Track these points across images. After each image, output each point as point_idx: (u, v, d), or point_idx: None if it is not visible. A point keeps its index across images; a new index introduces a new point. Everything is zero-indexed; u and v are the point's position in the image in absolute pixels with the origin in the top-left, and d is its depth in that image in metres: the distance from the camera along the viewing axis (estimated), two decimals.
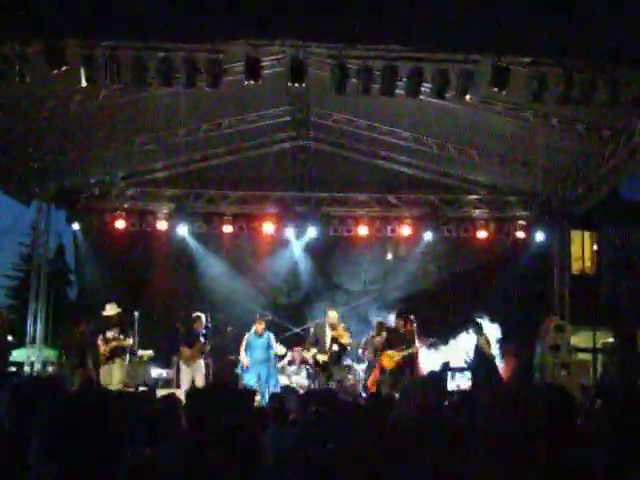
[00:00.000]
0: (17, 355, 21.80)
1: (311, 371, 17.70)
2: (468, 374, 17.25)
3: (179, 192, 20.28)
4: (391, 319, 18.41)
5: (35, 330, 19.73)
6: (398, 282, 20.61)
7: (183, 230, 20.16)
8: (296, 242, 20.62)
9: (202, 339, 16.69)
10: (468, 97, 12.95)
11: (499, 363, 18.07)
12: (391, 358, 17.09)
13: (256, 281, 20.68)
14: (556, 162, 17.63)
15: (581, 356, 21.87)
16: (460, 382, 16.77)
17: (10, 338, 17.75)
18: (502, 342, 18.77)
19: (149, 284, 20.43)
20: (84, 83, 12.09)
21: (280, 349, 18.31)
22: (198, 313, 16.97)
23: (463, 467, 3.81)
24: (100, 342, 16.00)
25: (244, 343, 17.14)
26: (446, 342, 18.56)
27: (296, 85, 12.79)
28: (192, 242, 20.50)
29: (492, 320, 18.59)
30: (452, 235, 20.72)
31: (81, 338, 16.68)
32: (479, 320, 17.91)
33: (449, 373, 16.53)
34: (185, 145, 18.49)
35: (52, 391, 4.64)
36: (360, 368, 18.08)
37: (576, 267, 26.12)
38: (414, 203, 20.63)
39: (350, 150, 20.00)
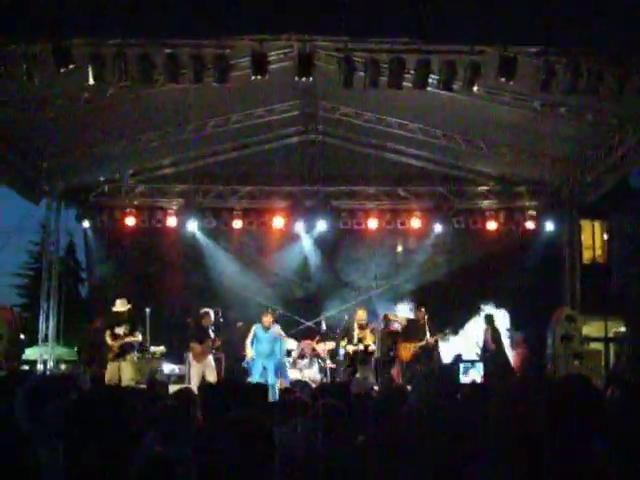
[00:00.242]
0: (30, 353, 21.90)
1: (323, 364, 17.73)
2: (480, 366, 17.24)
3: (188, 188, 20.31)
4: (399, 311, 18.45)
5: (47, 328, 19.77)
6: (408, 274, 20.59)
7: (193, 226, 20.20)
8: (306, 236, 20.62)
9: (212, 335, 16.71)
10: (475, 88, 12.93)
11: (509, 352, 18.07)
12: (408, 350, 17.17)
13: (266, 276, 20.68)
14: (564, 151, 17.61)
15: (593, 346, 21.77)
16: (473, 375, 16.74)
17: (22, 336, 17.80)
18: (512, 331, 18.76)
19: (160, 280, 20.48)
20: (91, 81, 12.12)
21: (290, 343, 18.34)
22: (206, 309, 16.96)
23: (473, 460, 3.81)
24: (108, 338, 15.99)
25: (251, 335, 17.13)
26: (456, 332, 18.56)
27: (303, 79, 12.79)
28: (202, 238, 20.53)
29: (497, 306, 18.59)
30: (462, 226, 20.70)
31: (94, 335, 16.74)
32: (489, 311, 17.94)
33: (461, 365, 16.51)
34: (193, 141, 18.53)
35: (65, 389, 4.66)
36: None
37: (587, 256, 26.00)
38: (423, 195, 20.63)
39: (358, 143, 20.01)
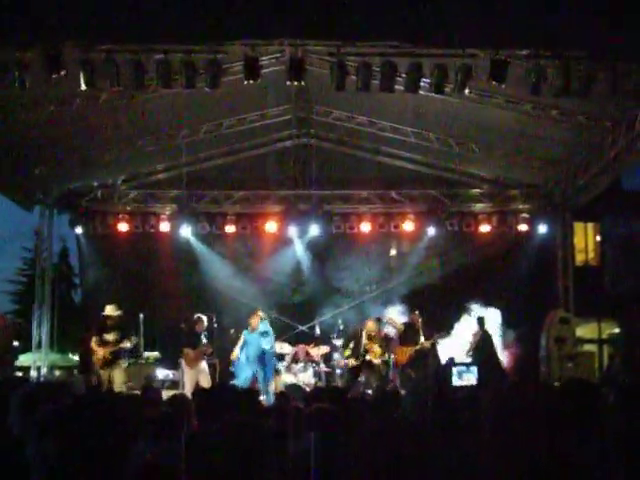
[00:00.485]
0: (23, 360, 21.86)
1: (317, 369, 17.73)
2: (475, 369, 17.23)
3: (181, 193, 20.26)
4: (389, 314, 18.46)
5: (41, 334, 19.75)
6: (402, 278, 20.60)
7: (186, 231, 20.15)
8: (299, 240, 20.61)
9: (205, 340, 16.71)
10: (467, 91, 12.95)
11: (501, 352, 18.04)
12: (404, 354, 17.20)
13: (260, 280, 20.64)
14: (557, 154, 17.65)
15: (587, 347, 21.83)
16: (467, 378, 16.73)
17: (16, 343, 17.77)
18: (504, 329, 18.74)
19: (153, 286, 20.43)
20: (83, 87, 12.10)
21: (285, 347, 18.35)
22: (199, 315, 16.98)
23: (467, 463, 3.83)
24: (94, 345, 15.90)
25: (241, 342, 17.16)
26: (448, 334, 18.56)
27: (295, 83, 12.81)
28: (195, 243, 20.48)
29: (488, 304, 18.58)
30: (455, 229, 20.67)
31: (89, 342, 16.71)
32: (480, 313, 17.94)
33: (455, 369, 16.50)
34: (186, 146, 18.52)
35: (59, 395, 4.66)
36: None
37: (579, 259, 26.07)
38: (416, 198, 20.61)
39: (351, 147, 20.06)
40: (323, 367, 17.91)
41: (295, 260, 20.78)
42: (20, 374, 19.96)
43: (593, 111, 14.66)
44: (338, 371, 17.99)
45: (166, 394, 11.08)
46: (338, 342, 18.30)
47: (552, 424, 3.67)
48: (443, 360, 17.61)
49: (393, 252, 21.37)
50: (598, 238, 27.46)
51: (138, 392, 13.19)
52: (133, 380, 16.47)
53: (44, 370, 19.61)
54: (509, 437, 3.69)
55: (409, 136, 18.44)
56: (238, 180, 20.50)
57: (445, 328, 18.30)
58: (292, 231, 20.44)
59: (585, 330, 22.88)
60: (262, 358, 16.92)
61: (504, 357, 18.02)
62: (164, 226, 20.33)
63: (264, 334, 17.13)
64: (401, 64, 12.44)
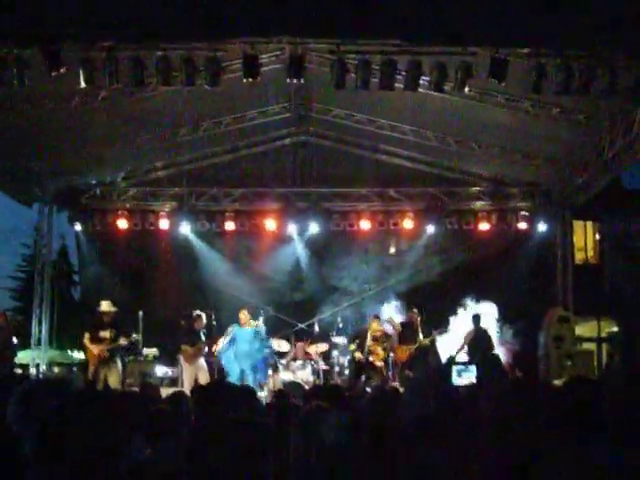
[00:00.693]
0: (22, 357, 21.83)
1: (316, 366, 17.73)
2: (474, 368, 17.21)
3: (181, 191, 20.26)
4: (385, 312, 18.45)
5: (40, 331, 19.77)
6: (401, 276, 20.62)
7: (185, 229, 20.17)
8: (298, 238, 20.62)
9: (203, 338, 16.71)
10: (467, 89, 12.95)
11: (498, 348, 18.01)
12: (403, 352, 17.21)
13: (259, 278, 20.65)
14: (556, 152, 17.63)
15: (585, 346, 21.82)
16: (467, 377, 16.70)
17: (15, 340, 17.75)
18: (501, 323, 18.73)
19: (153, 283, 20.48)
20: (83, 84, 12.09)
21: (283, 345, 18.37)
22: (198, 312, 16.98)
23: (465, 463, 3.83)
24: (87, 341, 15.82)
25: (228, 336, 17.13)
26: (446, 330, 18.53)
27: (295, 81, 12.82)
28: (195, 240, 20.49)
29: (483, 299, 18.60)
30: (454, 227, 20.69)
31: None
32: (476, 311, 17.93)
33: (454, 368, 16.49)
34: (186, 144, 18.54)
35: (57, 392, 4.66)
36: None
37: (579, 257, 26.07)
38: (415, 196, 20.61)
39: (351, 145, 20.08)
40: (322, 365, 17.92)
41: (294, 258, 20.81)
42: (19, 371, 19.92)
43: (592, 110, 14.65)
44: (337, 369, 18.01)
45: (165, 391, 11.08)
46: (337, 340, 18.33)
47: (553, 421, 3.68)
48: (443, 357, 17.64)
49: (392, 250, 21.41)
50: (597, 237, 27.46)
51: (137, 389, 13.22)
52: (131, 377, 16.48)
53: (43, 367, 19.63)
54: (509, 435, 3.69)
55: (408, 134, 18.44)
56: (237, 178, 20.50)
57: (444, 325, 18.28)
58: (291, 229, 20.47)
59: (584, 329, 22.84)
60: (251, 356, 16.90)
61: (502, 353, 17.98)
62: (163, 223, 20.35)
63: (258, 336, 17.12)
64: (401, 62, 12.43)
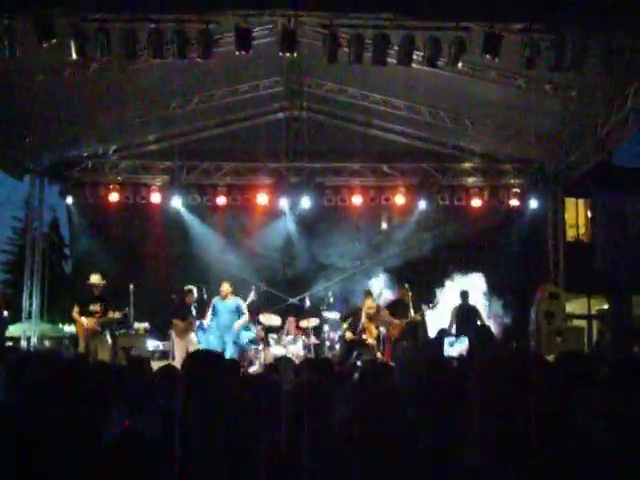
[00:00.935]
0: (13, 330, 21.83)
1: (306, 341, 17.76)
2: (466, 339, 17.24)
3: (172, 164, 20.21)
4: (373, 286, 18.45)
5: (31, 305, 19.74)
6: (393, 251, 20.62)
7: (177, 202, 20.13)
8: (290, 213, 20.59)
9: (194, 312, 16.72)
10: (460, 65, 12.90)
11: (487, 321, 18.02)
12: (396, 328, 17.22)
13: (250, 253, 20.63)
14: (549, 129, 17.59)
15: (576, 323, 21.90)
16: (459, 348, 16.73)
17: (5, 313, 17.74)
18: (489, 295, 18.75)
19: (144, 257, 20.45)
20: (74, 56, 12.02)
21: (274, 320, 18.39)
22: (190, 286, 16.98)
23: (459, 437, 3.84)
24: (75, 314, 15.78)
25: (210, 308, 17.20)
26: (436, 305, 18.52)
27: (287, 55, 12.75)
28: (186, 214, 20.45)
29: (464, 273, 18.64)
30: (446, 203, 20.71)
31: None
32: (464, 287, 17.93)
33: (446, 339, 16.52)
34: (178, 117, 18.47)
35: (47, 364, 4.66)
36: None
37: (570, 234, 26.12)
38: (408, 172, 20.60)
39: (343, 120, 20.03)
40: (313, 339, 17.95)
41: (286, 232, 20.77)
42: (10, 344, 19.93)
43: (586, 86, 14.61)
44: (327, 343, 18.04)
45: (156, 365, 11.10)
46: (328, 314, 18.35)
47: (544, 393, 3.68)
48: (432, 332, 17.63)
49: (384, 226, 21.38)
50: (589, 214, 27.49)
51: (125, 363, 13.23)
52: (122, 351, 16.48)
53: (34, 340, 19.62)
54: (500, 407, 3.69)
55: (401, 109, 18.42)
56: (229, 152, 20.42)
57: (432, 299, 18.26)
58: (283, 203, 20.42)
59: (575, 305, 22.94)
60: (231, 328, 16.99)
61: (492, 326, 18.00)
62: (155, 197, 20.32)
63: (238, 309, 17.18)
64: (394, 36, 12.38)
